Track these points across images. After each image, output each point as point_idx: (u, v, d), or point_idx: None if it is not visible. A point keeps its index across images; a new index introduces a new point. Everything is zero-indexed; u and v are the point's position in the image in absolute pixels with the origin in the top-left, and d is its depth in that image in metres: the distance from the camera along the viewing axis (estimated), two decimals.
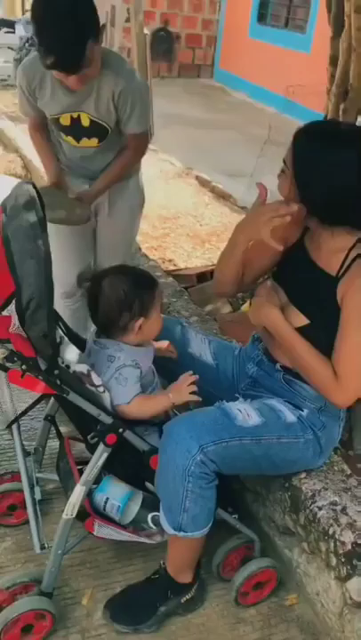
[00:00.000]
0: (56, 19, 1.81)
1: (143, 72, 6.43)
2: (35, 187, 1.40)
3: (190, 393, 1.62)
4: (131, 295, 1.56)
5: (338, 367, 1.55)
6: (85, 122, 2.11)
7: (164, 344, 1.79)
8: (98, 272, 1.63)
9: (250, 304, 1.77)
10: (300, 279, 1.67)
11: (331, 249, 1.61)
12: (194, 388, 1.62)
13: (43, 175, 4.95)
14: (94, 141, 2.16)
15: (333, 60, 2.79)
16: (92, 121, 2.10)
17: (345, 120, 2.71)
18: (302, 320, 1.62)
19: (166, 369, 1.75)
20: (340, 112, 2.74)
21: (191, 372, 1.66)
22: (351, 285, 1.55)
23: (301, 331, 1.60)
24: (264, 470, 1.72)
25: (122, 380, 1.56)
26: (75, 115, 2.10)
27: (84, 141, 2.17)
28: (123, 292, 1.56)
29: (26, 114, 2.24)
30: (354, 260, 1.56)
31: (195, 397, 1.62)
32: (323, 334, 1.59)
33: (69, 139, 2.18)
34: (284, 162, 1.56)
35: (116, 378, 1.56)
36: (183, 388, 1.62)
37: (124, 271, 1.64)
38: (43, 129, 2.27)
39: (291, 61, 7.76)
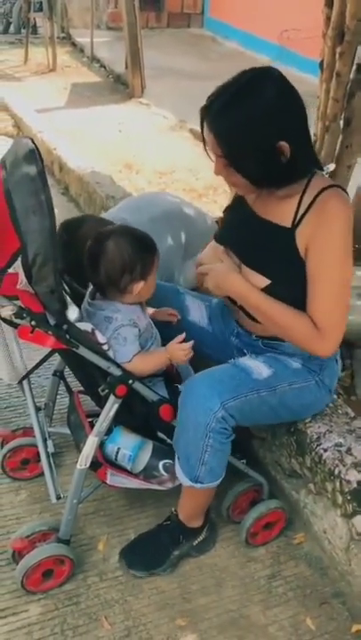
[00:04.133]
0: None
1: (132, 21, 6.25)
2: (33, 141, 1.39)
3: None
4: (134, 258, 1.56)
5: (317, 317, 1.49)
6: None
7: (167, 311, 1.81)
8: (101, 231, 1.60)
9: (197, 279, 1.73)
10: (252, 238, 1.59)
11: (280, 196, 1.54)
12: (188, 346, 1.63)
13: (36, 134, 4.89)
14: None
15: (329, 1, 2.69)
16: None
17: (340, 65, 2.63)
18: (262, 281, 1.55)
19: (171, 338, 1.72)
20: (337, 56, 2.65)
21: (184, 335, 1.65)
22: (315, 232, 1.48)
23: (264, 292, 1.55)
24: (283, 418, 1.74)
25: (121, 339, 1.58)
26: None
27: None
28: (126, 255, 1.55)
29: None
30: (309, 207, 1.49)
31: (189, 356, 1.63)
32: (286, 290, 1.53)
33: None
34: (210, 153, 1.54)
35: (115, 338, 1.58)
36: (178, 347, 1.63)
37: (128, 233, 1.61)
38: None
39: (283, 6, 7.52)
